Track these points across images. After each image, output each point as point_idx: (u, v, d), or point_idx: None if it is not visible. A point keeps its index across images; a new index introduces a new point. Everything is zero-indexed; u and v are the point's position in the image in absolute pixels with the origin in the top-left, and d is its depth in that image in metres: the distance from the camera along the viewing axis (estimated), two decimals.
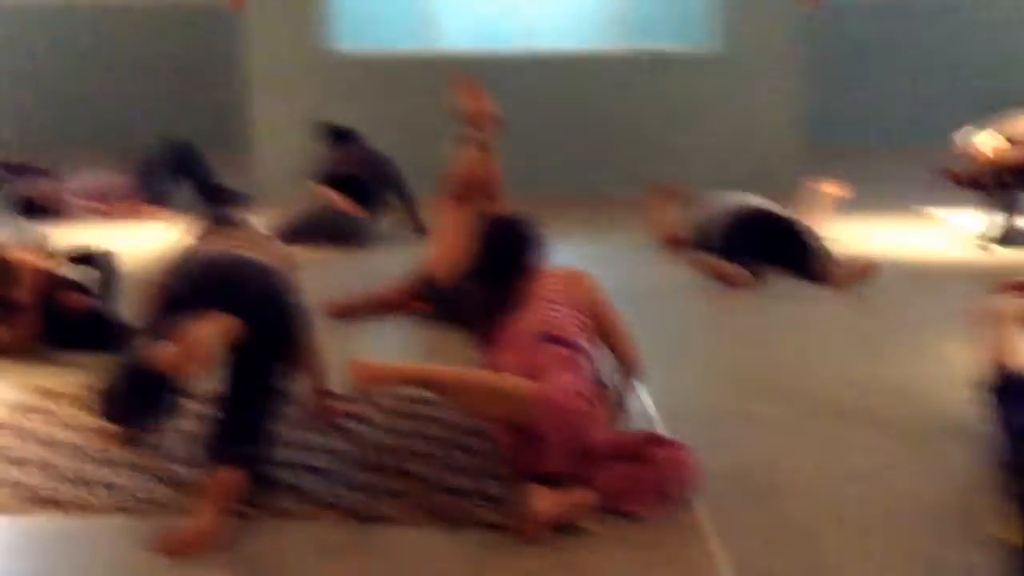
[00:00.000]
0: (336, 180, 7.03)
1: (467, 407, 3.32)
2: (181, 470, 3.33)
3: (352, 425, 3.70)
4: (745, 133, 8.38)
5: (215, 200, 7.94)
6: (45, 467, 3.39)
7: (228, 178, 8.19)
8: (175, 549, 2.89)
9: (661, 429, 3.63)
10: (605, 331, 3.62)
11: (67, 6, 11.22)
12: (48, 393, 4.05)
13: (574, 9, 8.84)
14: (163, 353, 2.92)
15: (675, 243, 6.38)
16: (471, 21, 8.85)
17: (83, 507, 3.13)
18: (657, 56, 8.43)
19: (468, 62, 7.60)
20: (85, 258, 4.93)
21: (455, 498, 3.18)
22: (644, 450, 3.17)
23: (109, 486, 3.25)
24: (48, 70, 11.19)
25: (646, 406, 3.88)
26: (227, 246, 3.50)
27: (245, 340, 3.10)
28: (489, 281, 3.85)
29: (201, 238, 3.64)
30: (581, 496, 3.05)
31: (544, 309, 3.51)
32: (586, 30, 8.71)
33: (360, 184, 7.03)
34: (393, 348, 4.84)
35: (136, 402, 3.26)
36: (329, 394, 3.72)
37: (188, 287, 3.26)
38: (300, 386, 3.61)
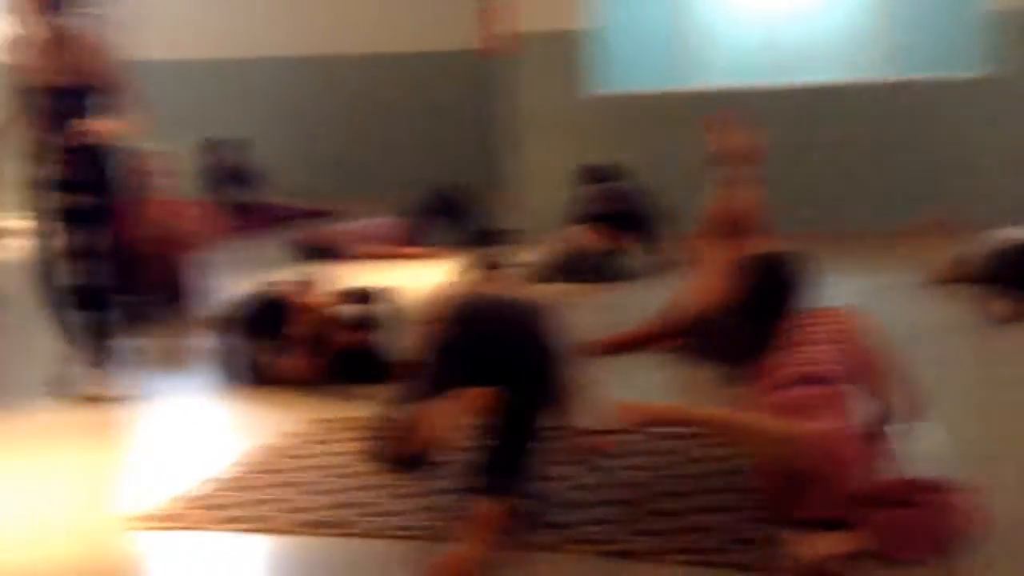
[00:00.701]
0: (595, 218, 7.14)
1: (734, 448, 3.28)
2: (446, 499, 3.44)
3: (609, 461, 3.72)
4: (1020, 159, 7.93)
5: (482, 242, 8.21)
6: (319, 491, 3.59)
7: (494, 219, 8.46)
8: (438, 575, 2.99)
9: (935, 472, 3.45)
10: (874, 372, 3.48)
11: (337, 56, 11.93)
12: (325, 422, 4.30)
13: (834, 40, 8.61)
14: (423, 427, 3.05)
15: (946, 277, 6.10)
16: (732, 56, 8.78)
17: (356, 531, 3.29)
18: (929, 83, 8.08)
19: (729, 97, 7.55)
20: (361, 296, 5.21)
21: (709, 538, 3.14)
22: (917, 494, 3.02)
23: (378, 512, 3.40)
24: (323, 117, 11.91)
25: (920, 448, 3.70)
26: (493, 288, 3.61)
27: (510, 381, 3.20)
28: (750, 319, 3.79)
29: (469, 280, 3.78)
30: (849, 541, 2.94)
31: (808, 349, 3.41)
32: (846, 61, 8.46)
33: (619, 221, 7.11)
34: (652, 385, 4.83)
35: (402, 455, 3.36)
36: (590, 431, 3.76)
37: (455, 330, 3.38)
38: (562, 422, 3.67)
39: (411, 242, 8.35)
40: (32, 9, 4.50)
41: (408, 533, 3.26)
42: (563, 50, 8.64)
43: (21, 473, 3.93)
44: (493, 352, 3.25)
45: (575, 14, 8.61)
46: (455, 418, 3.09)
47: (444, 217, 8.54)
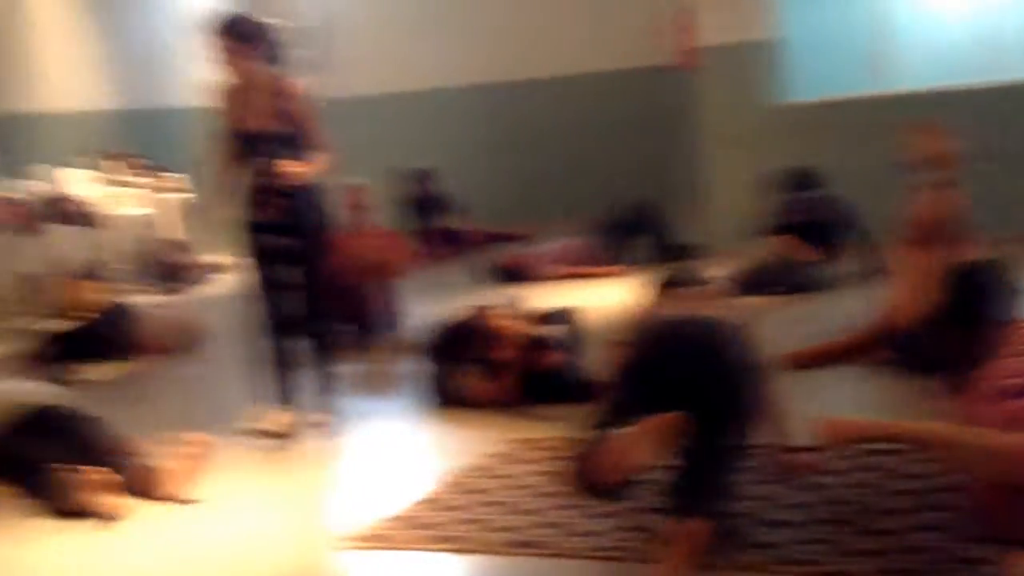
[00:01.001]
0: (790, 227, 7.01)
1: (949, 464, 3.16)
2: (646, 519, 3.44)
3: (815, 478, 3.64)
4: None
5: (671, 258, 8.18)
6: (521, 511, 3.65)
7: (683, 232, 8.41)
8: None
9: None
10: None
11: (522, 81, 12.09)
12: (523, 443, 4.37)
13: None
14: (615, 457, 3.06)
15: None
16: (926, 57, 8.48)
17: (557, 551, 3.33)
18: None
19: (925, 99, 7.30)
20: (555, 318, 5.28)
21: (923, 558, 3.03)
22: None
23: (578, 532, 3.43)
24: (511, 141, 12.10)
25: None
26: (684, 306, 3.60)
27: (699, 402, 3.19)
28: (955, 329, 3.66)
29: (659, 298, 3.78)
30: None
31: (1018, 360, 3.26)
32: None
33: (815, 229, 6.96)
34: (853, 398, 4.71)
35: (597, 485, 3.35)
36: (792, 447, 3.70)
37: (643, 351, 3.39)
38: (763, 439, 3.62)
39: (600, 261, 8.40)
40: (233, 56, 4.62)
41: (608, 554, 3.27)
42: (748, 61, 8.54)
43: (235, 496, 4.14)
44: (680, 373, 3.24)
45: (758, 25, 8.50)
46: (647, 446, 3.08)
47: (633, 234, 8.55)
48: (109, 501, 3.91)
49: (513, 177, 12.09)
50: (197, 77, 11.28)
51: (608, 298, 6.76)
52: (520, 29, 12.05)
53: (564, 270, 8.29)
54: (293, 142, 4.61)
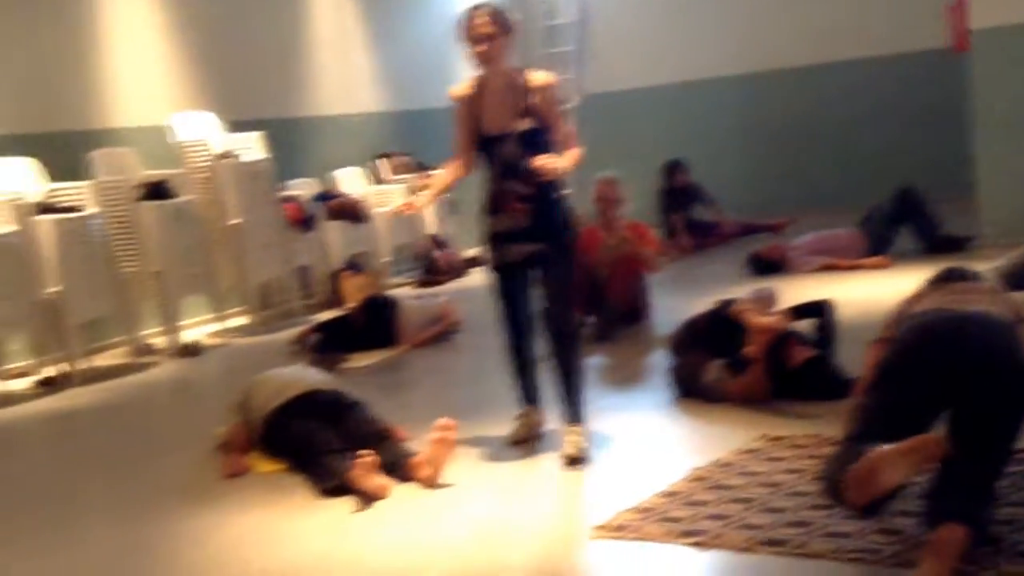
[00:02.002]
0: None
1: None
2: (903, 523, 3.31)
3: None
4: None
5: (937, 247, 7.80)
6: (770, 509, 3.58)
7: (951, 223, 7.99)
8: None
9: None
10: None
11: (781, 69, 11.80)
12: (776, 440, 4.29)
13: None
14: (878, 476, 2.95)
15: None
16: None
17: (803, 551, 3.25)
18: None
19: None
20: (809, 311, 5.14)
21: None
22: None
23: (831, 533, 3.33)
24: (775, 130, 11.84)
25: None
26: (953, 299, 3.41)
27: (974, 401, 3.03)
28: None
29: (926, 292, 3.59)
30: None
31: None
32: None
33: None
34: None
35: (856, 501, 3.16)
36: None
37: (914, 348, 3.25)
38: None
39: (868, 253, 8.09)
40: (490, 45, 4.42)
41: (862, 556, 3.16)
42: None
43: (486, 484, 4.26)
44: (950, 371, 3.09)
45: None
46: (903, 468, 2.94)
47: (904, 225, 8.20)
48: (373, 482, 4.12)
49: (770, 167, 11.86)
50: (460, 78, 11.74)
51: (869, 292, 6.52)
52: (775, 17, 11.79)
53: (823, 262, 8.04)
54: (538, 140, 4.44)
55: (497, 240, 4.54)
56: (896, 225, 8.22)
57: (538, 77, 4.49)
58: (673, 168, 10.63)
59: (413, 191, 10.54)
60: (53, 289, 6.78)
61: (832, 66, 11.52)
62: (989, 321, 3.25)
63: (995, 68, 8.08)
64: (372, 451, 4.21)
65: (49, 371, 6.92)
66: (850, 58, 11.42)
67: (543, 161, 4.31)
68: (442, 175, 4.77)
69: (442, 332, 7.25)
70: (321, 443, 4.38)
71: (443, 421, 4.24)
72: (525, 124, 4.44)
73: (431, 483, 4.21)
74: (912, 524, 3.24)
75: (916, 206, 8.18)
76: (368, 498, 4.08)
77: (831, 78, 11.58)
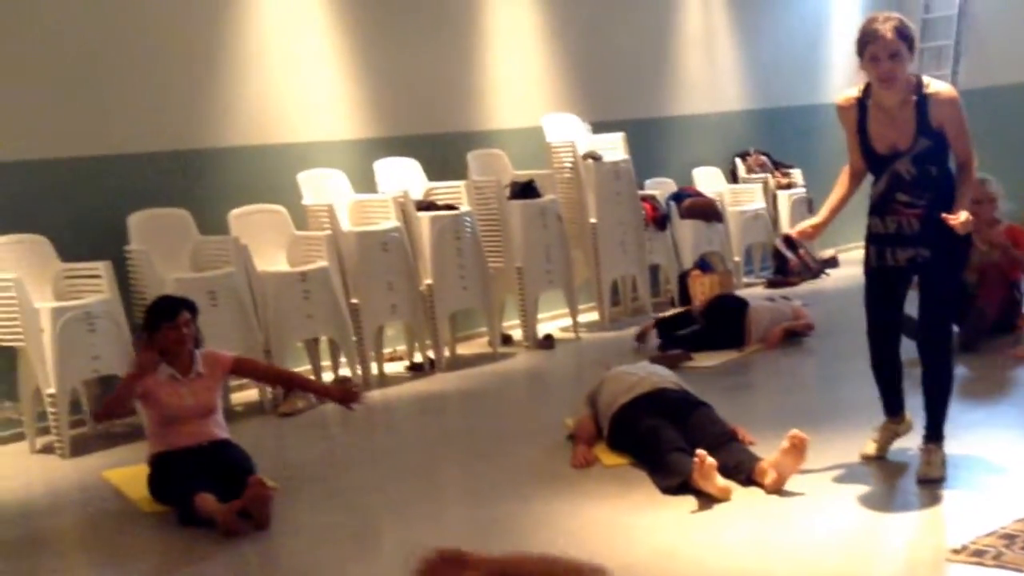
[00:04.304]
0: None
1: None
2: None
3: None
4: None
5: None
6: None
7: None
8: None
9: None
10: None
11: None
12: None
13: None
14: None
15: None
16: None
17: None
18: None
19: None
20: None
21: None
22: None
23: None
24: None
25: None
26: None
27: None
28: None
29: None
30: None
31: None
32: None
33: None
34: None
35: None
36: None
37: None
38: None
39: None
40: (895, 65, 4.03)
41: None
42: None
43: (835, 495, 4.16)
44: None
45: None
46: None
47: None
48: (716, 484, 4.14)
49: None
50: (826, 77, 11.45)
51: None
52: None
53: None
54: (933, 158, 4.12)
55: (877, 242, 4.29)
56: None
57: (941, 92, 4.10)
58: None
59: (775, 187, 10.43)
60: (428, 281, 7.28)
61: None
62: None
63: None
64: (715, 452, 4.24)
65: (419, 356, 7.44)
66: None
67: (954, 222, 3.94)
68: (834, 196, 4.40)
69: (792, 331, 7.12)
70: (667, 441, 4.45)
71: (796, 432, 4.16)
72: (922, 145, 4.11)
73: (776, 489, 4.17)
74: None
75: None
76: (711, 499, 4.12)
77: None
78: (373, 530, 4.39)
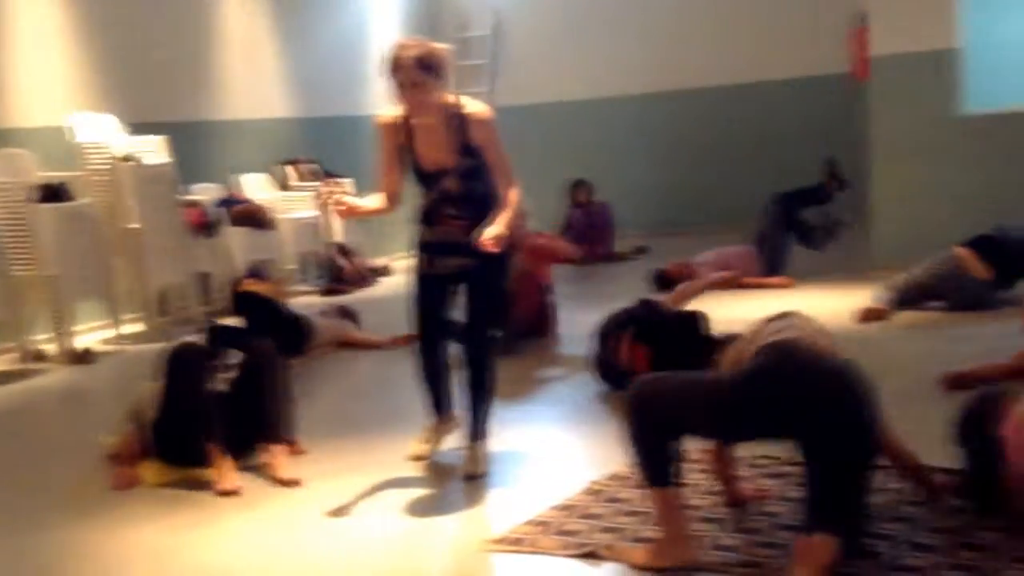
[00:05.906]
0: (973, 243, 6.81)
1: None
2: (784, 535, 3.37)
3: (951, 501, 3.52)
4: None
5: (814, 239, 8.08)
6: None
7: (846, 247, 8.18)
8: None
9: None
10: None
11: (690, 90, 11.99)
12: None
13: None
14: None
15: None
16: None
17: (693, 564, 3.29)
18: None
19: None
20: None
21: None
22: None
23: (718, 546, 3.38)
24: (682, 149, 12.01)
25: None
26: (799, 333, 3.43)
27: (818, 433, 3.10)
28: None
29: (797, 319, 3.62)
30: None
31: None
32: None
33: (996, 246, 6.72)
34: None
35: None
36: (923, 467, 3.59)
37: (759, 377, 3.28)
38: (889, 462, 3.54)
39: (766, 270, 8.29)
40: (417, 90, 4.13)
41: (746, 572, 3.22)
42: (924, 71, 8.25)
43: (381, 497, 4.23)
44: (795, 408, 3.16)
45: (936, 34, 8.20)
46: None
47: (783, 228, 8.45)
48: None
49: (676, 184, 12.03)
50: (368, 89, 11.69)
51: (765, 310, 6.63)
52: (686, 38, 11.98)
53: (721, 277, 8.17)
54: (476, 173, 4.28)
55: (427, 250, 4.42)
56: (783, 231, 8.41)
57: (475, 113, 4.26)
58: (578, 186, 10.86)
59: (322, 199, 10.46)
60: None
61: (743, 88, 11.74)
62: (825, 363, 3.27)
63: (892, 94, 8.32)
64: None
65: None
66: (758, 80, 11.66)
67: (484, 240, 4.09)
68: (370, 201, 4.44)
69: (344, 341, 7.18)
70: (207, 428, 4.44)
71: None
72: (465, 163, 4.26)
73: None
74: (792, 537, 3.30)
75: (793, 204, 8.45)
76: (261, 513, 4.03)
77: (739, 99, 11.80)
78: None
